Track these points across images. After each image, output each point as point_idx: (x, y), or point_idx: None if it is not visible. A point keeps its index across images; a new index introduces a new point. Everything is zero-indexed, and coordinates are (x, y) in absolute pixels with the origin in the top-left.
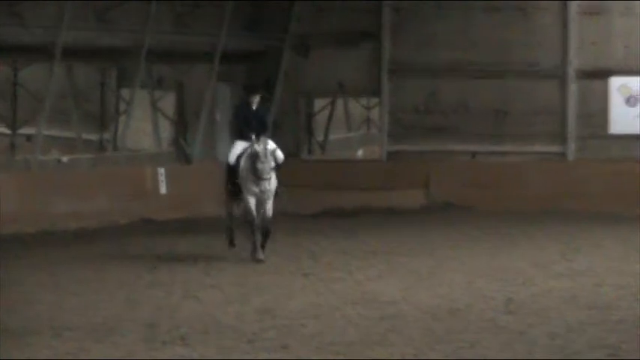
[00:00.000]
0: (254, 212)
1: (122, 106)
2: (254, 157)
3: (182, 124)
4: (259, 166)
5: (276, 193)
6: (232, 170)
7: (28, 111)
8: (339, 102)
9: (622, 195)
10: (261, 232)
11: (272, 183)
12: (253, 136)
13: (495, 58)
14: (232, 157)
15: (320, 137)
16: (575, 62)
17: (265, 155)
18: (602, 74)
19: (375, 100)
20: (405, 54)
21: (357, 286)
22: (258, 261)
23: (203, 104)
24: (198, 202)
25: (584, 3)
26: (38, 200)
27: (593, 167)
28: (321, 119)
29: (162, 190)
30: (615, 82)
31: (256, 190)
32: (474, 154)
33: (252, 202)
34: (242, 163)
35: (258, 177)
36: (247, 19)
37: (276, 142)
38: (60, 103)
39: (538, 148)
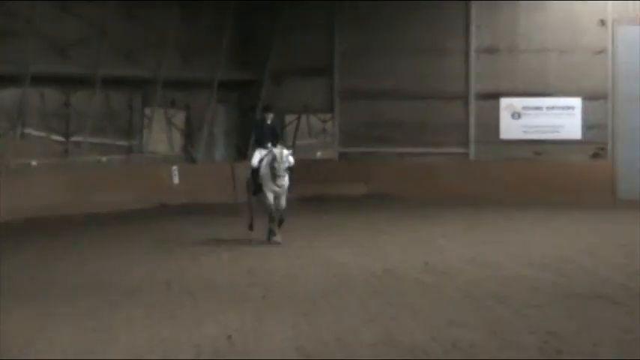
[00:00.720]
0: (272, 205)
1: (145, 121)
2: (272, 159)
3: (189, 134)
4: (276, 165)
5: (290, 190)
6: (255, 172)
7: (76, 124)
8: (303, 117)
9: (509, 185)
10: (277, 220)
11: (286, 180)
12: (269, 144)
13: (418, 86)
14: (255, 162)
15: (289, 142)
16: (474, 88)
17: (281, 157)
18: (494, 96)
19: (329, 116)
20: (350, 83)
21: (317, 253)
22: (277, 243)
23: (205, 120)
24: (201, 191)
25: (480, 45)
26: (83, 190)
27: (489, 164)
28: (290, 129)
29: (175, 181)
30: (503, 102)
31: (274, 187)
32: (402, 156)
33: (270, 197)
34: (263, 166)
35: (275, 175)
36: (237, 57)
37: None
38: (100, 119)
39: (448, 150)
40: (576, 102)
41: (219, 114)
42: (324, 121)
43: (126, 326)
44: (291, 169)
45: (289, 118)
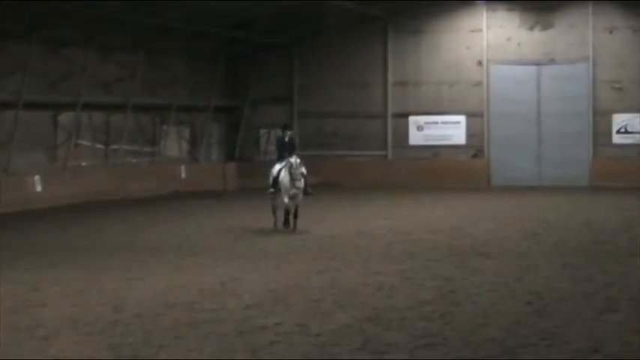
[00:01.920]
0: (289, 206)
1: (162, 134)
2: (290, 166)
3: (193, 143)
4: (293, 171)
5: (307, 192)
6: (275, 180)
7: (114, 137)
8: (272, 131)
9: (415, 176)
10: (294, 216)
11: (302, 183)
12: (287, 156)
13: (351, 108)
14: (275, 171)
15: (263, 149)
16: (390, 110)
17: (297, 165)
18: (404, 115)
19: (291, 131)
20: (304, 107)
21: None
22: (292, 230)
23: (204, 134)
24: (201, 182)
25: (395, 80)
26: (120, 182)
27: (401, 162)
28: (263, 140)
29: (183, 176)
30: (411, 119)
31: (292, 189)
32: (341, 157)
33: (286, 199)
34: (281, 174)
35: (293, 179)
36: (226, 90)
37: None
38: (131, 133)
39: (373, 152)
40: (462, 118)
41: (213, 129)
42: (289, 135)
43: (150, 276)
44: (304, 176)
45: (262, 131)
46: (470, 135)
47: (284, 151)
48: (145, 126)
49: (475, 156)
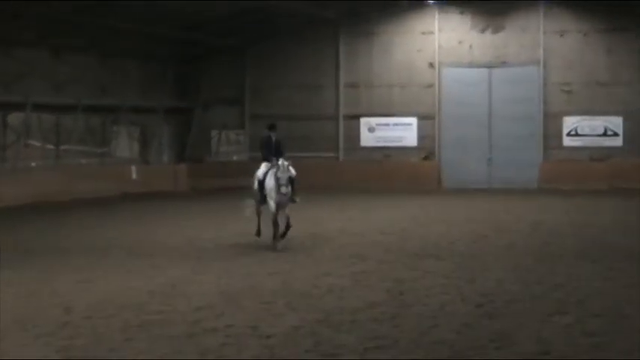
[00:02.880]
0: (276, 213)
1: (113, 135)
2: (277, 169)
3: (144, 145)
4: (279, 174)
5: (293, 200)
6: (260, 184)
7: (65, 137)
8: (223, 132)
9: (367, 177)
10: (285, 226)
11: (289, 189)
12: (274, 158)
13: (303, 111)
14: (260, 174)
15: (215, 150)
16: (342, 111)
17: (284, 168)
18: (356, 117)
19: (241, 131)
20: (256, 109)
21: (239, 224)
22: (278, 250)
23: (155, 135)
24: (152, 183)
25: (346, 82)
26: (70, 183)
27: (352, 164)
28: (214, 141)
29: (134, 177)
30: (363, 121)
31: (277, 196)
32: (293, 159)
33: (273, 205)
34: (268, 178)
35: (279, 184)
36: (177, 91)
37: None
38: (81, 134)
39: (325, 154)
40: (413, 120)
41: (165, 130)
42: (238, 135)
43: (101, 278)
44: (292, 180)
45: (214, 133)
46: (421, 137)
47: (270, 152)
48: (95, 127)
49: (426, 158)
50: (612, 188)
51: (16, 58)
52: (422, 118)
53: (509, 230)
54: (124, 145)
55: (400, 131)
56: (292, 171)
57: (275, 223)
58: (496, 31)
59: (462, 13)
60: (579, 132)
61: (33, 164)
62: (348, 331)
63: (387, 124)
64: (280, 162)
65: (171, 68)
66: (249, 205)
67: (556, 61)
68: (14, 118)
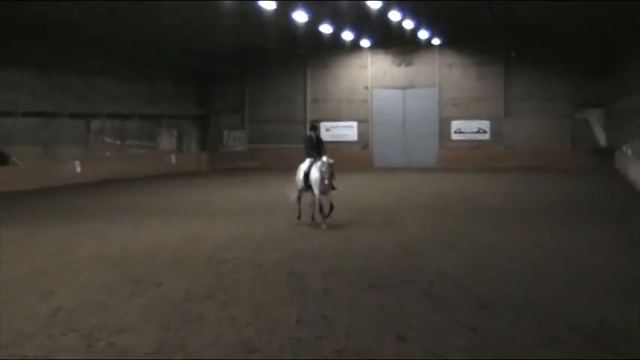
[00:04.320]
0: (320, 200)
1: (159, 134)
2: (321, 164)
3: (179, 140)
4: (323, 169)
5: (334, 188)
6: (306, 175)
7: (127, 136)
8: (231, 132)
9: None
10: (329, 208)
11: (329, 181)
12: (316, 154)
13: (283, 115)
14: (305, 167)
15: (225, 143)
16: (308, 117)
17: (327, 164)
18: (319, 120)
19: (243, 131)
20: (252, 115)
21: (235, 193)
22: (323, 229)
23: (185, 133)
24: (185, 166)
25: (311, 97)
26: (132, 166)
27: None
28: (225, 137)
29: (173, 162)
30: (322, 124)
31: (322, 185)
32: (276, 149)
33: (317, 194)
34: (313, 171)
35: (323, 177)
36: (199, 103)
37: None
38: (138, 133)
39: (296, 145)
40: (354, 124)
41: (191, 130)
42: (240, 133)
43: (149, 228)
44: (332, 172)
45: (224, 132)
46: (360, 134)
47: (312, 149)
48: (146, 128)
49: (363, 148)
50: (484, 167)
51: (93, 83)
52: (360, 122)
53: (420, 194)
54: (166, 140)
55: (346, 130)
56: (331, 167)
57: (320, 208)
58: (407, 65)
59: (385, 53)
60: (462, 130)
61: (107, 154)
62: (313, 262)
63: (337, 126)
64: (324, 158)
65: (195, 88)
66: (293, 192)
67: (447, 84)
68: (94, 124)
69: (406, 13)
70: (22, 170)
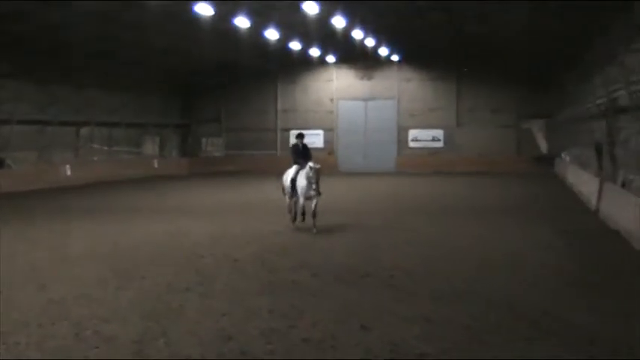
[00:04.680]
0: (303, 205)
1: (143, 141)
2: (307, 171)
3: (162, 146)
4: (310, 174)
5: (319, 194)
6: (292, 182)
7: (115, 142)
8: (210, 139)
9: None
10: (312, 215)
11: (316, 187)
12: (303, 162)
13: (257, 125)
14: (292, 174)
15: (204, 149)
16: (279, 126)
17: (313, 170)
18: (288, 129)
19: (221, 138)
20: (229, 124)
21: (215, 194)
22: (314, 233)
23: (168, 140)
24: (168, 169)
25: (282, 108)
26: (118, 169)
27: (285, 157)
28: (203, 144)
29: (156, 166)
30: (292, 132)
31: (310, 191)
32: (250, 155)
33: (302, 200)
34: (299, 178)
35: (310, 182)
36: (181, 114)
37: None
38: (124, 140)
39: (268, 152)
40: (321, 132)
41: (173, 138)
42: (217, 140)
43: (136, 225)
44: (318, 178)
45: (203, 139)
46: (326, 141)
47: (299, 157)
48: (133, 136)
49: (330, 154)
50: (437, 172)
51: (86, 95)
52: (326, 130)
53: (379, 195)
54: (150, 146)
55: (313, 138)
56: (318, 173)
57: (302, 212)
58: (369, 79)
59: (349, 68)
60: (418, 138)
61: (95, 158)
62: (283, 257)
63: (305, 134)
64: (311, 164)
65: (177, 100)
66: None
67: (405, 96)
68: (84, 131)
69: (368, 31)
70: (16, 173)
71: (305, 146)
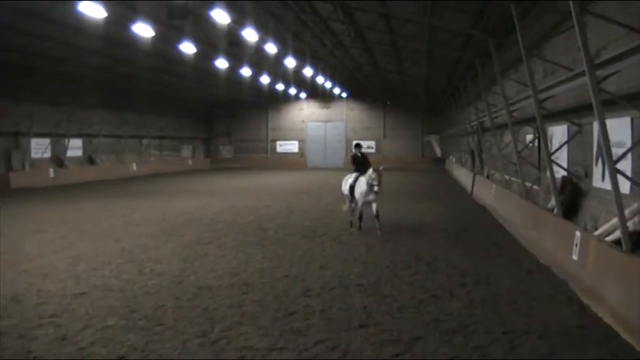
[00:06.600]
0: (361, 211)
1: (181, 148)
2: (367, 177)
3: (194, 151)
4: (369, 181)
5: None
6: (351, 188)
7: (165, 149)
8: (226, 146)
9: (280, 165)
10: (376, 218)
11: (377, 190)
12: (362, 169)
13: (254, 137)
14: (351, 181)
15: (220, 152)
16: (269, 138)
17: (373, 177)
18: (275, 141)
19: (231, 146)
20: (237, 137)
21: (227, 181)
22: (381, 235)
23: (197, 147)
24: (197, 166)
25: (271, 126)
26: (166, 166)
27: (273, 159)
28: (220, 150)
29: (190, 163)
30: (277, 142)
31: (369, 196)
32: (252, 157)
33: (360, 205)
34: (357, 184)
35: (371, 186)
36: (205, 129)
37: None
38: (169, 147)
39: (262, 155)
40: (296, 142)
41: (200, 146)
42: (229, 147)
43: (176, 201)
44: (379, 185)
45: (220, 146)
46: (299, 148)
47: (358, 165)
48: (175, 144)
49: (301, 156)
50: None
51: (145, 118)
52: (299, 141)
53: (332, 183)
54: (186, 151)
55: (291, 147)
56: (377, 180)
57: (360, 216)
58: (327, 108)
59: (314, 102)
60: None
61: (151, 159)
62: (270, 222)
63: (286, 144)
64: (370, 172)
65: (203, 122)
66: (345, 204)
67: (350, 120)
68: (144, 142)
69: (326, 78)
70: (102, 168)
71: (364, 155)
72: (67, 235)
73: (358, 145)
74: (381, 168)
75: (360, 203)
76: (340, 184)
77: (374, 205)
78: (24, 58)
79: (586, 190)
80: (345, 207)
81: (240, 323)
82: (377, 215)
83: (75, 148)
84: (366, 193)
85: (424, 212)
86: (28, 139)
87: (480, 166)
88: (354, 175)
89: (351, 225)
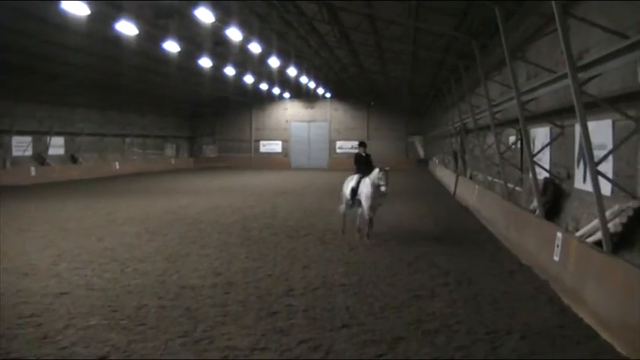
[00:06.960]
0: (367, 213)
1: (164, 147)
2: (373, 178)
3: (177, 150)
4: (376, 182)
5: (384, 194)
6: (353, 190)
7: (149, 147)
8: (210, 146)
9: (263, 165)
10: (369, 223)
11: (384, 192)
12: (365, 170)
13: (240, 136)
14: (354, 183)
15: (204, 152)
16: (253, 138)
17: (380, 177)
18: (259, 140)
19: (215, 145)
20: (222, 137)
21: (212, 180)
22: (367, 239)
23: (181, 146)
24: (181, 165)
25: (255, 126)
26: (147, 165)
27: (257, 159)
28: (204, 149)
29: (173, 162)
30: (261, 142)
31: (375, 201)
32: (234, 156)
33: (367, 208)
34: (361, 187)
35: (377, 187)
36: (190, 128)
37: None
38: (153, 146)
39: (247, 154)
40: (280, 142)
41: (184, 145)
42: (213, 146)
43: (159, 201)
44: (386, 185)
45: (204, 146)
46: (283, 148)
47: (361, 165)
48: (159, 143)
49: (285, 156)
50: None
51: (129, 117)
52: (283, 141)
53: (316, 183)
54: (169, 150)
55: (275, 147)
56: (383, 182)
57: (370, 221)
58: (311, 108)
59: (299, 101)
60: (342, 147)
61: (134, 158)
62: (254, 221)
63: (270, 144)
64: (375, 172)
65: (187, 121)
66: (341, 208)
67: (334, 120)
68: (127, 140)
69: (310, 78)
70: (85, 166)
71: (368, 155)
72: (49, 233)
73: (363, 144)
74: (387, 168)
75: (366, 207)
76: (338, 186)
77: (377, 211)
78: (5, 56)
79: (568, 192)
80: (342, 211)
81: (223, 323)
82: (370, 221)
83: (57, 146)
84: (373, 196)
85: (407, 213)
86: (10, 137)
87: (462, 168)
88: (356, 177)
89: (342, 228)
